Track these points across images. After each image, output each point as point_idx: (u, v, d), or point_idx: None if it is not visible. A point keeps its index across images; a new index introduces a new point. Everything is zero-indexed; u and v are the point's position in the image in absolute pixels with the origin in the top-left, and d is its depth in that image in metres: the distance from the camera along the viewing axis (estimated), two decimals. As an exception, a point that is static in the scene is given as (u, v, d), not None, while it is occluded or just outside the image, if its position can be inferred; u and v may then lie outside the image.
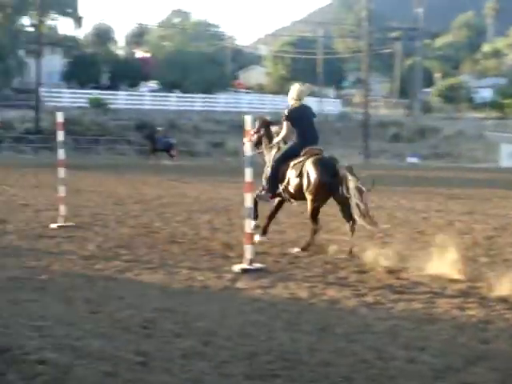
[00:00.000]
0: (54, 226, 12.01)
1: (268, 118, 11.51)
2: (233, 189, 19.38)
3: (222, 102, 63.65)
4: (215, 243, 10.66)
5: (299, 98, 10.55)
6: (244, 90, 77.17)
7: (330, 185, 9.76)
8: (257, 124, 10.98)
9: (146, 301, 7.02)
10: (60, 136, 12.74)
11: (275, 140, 10.77)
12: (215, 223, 13.17)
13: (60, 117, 12.70)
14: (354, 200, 9.41)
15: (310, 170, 9.87)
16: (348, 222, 9.81)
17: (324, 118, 62.46)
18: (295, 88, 10.63)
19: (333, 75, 74.76)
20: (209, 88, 66.08)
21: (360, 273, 8.61)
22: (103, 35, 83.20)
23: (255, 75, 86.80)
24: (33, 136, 45.18)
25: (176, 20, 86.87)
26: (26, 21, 74.99)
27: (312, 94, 72.24)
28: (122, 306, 6.78)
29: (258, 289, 7.72)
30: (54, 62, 70.50)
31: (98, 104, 54.45)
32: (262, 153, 11.06)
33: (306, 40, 78.87)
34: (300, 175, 10.02)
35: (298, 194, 10.16)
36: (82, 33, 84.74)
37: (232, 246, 10.27)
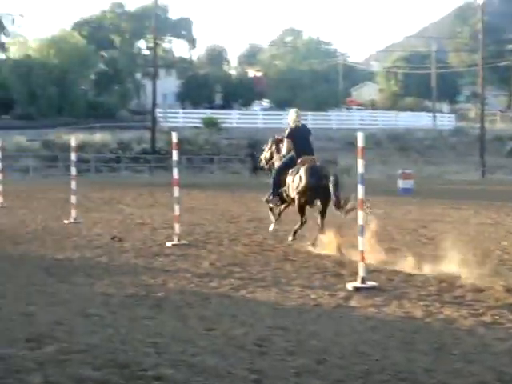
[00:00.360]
0: (169, 244, 12.26)
1: (279, 136, 13.59)
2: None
3: (334, 119, 63.50)
4: (328, 261, 10.62)
5: (297, 120, 12.99)
6: (356, 107, 76.80)
7: (316, 188, 11.72)
8: (270, 142, 13.81)
9: (259, 319, 7.05)
10: (175, 155, 13.02)
11: (281, 153, 13.12)
12: (327, 241, 13.07)
13: (174, 137, 12.99)
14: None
15: (302, 175, 11.85)
16: (321, 218, 11.95)
17: (438, 133, 61.51)
18: (293, 112, 13.35)
19: (447, 90, 73.54)
20: (321, 105, 66.17)
21: (477, 291, 8.38)
22: (216, 56, 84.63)
23: (367, 92, 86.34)
24: (149, 156, 46.35)
25: (288, 38, 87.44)
26: (142, 44, 77.33)
27: (425, 109, 71.31)
28: (235, 323, 6.83)
29: (371, 307, 7.63)
30: (169, 84, 72.23)
31: (211, 123, 55.35)
32: (272, 166, 13.47)
33: (419, 55, 77.95)
34: (294, 180, 12.09)
35: (290, 198, 12.36)
36: (195, 54, 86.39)
37: (344, 264, 10.21)
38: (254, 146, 45.11)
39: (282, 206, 13.14)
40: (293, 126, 12.97)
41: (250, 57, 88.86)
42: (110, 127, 52.64)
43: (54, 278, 9.17)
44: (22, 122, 55.36)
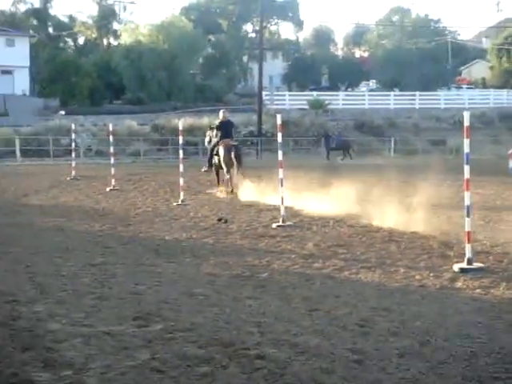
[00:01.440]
0: (274, 225, 12.37)
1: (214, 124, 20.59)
2: (453, 187, 18.94)
3: (442, 98, 62.19)
4: (434, 242, 10.47)
5: (224, 117, 19.93)
6: (466, 86, 74.94)
7: (228, 158, 18.75)
8: (209, 130, 20.67)
9: (362, 299, 7.04)
10: (279, 138, 13.10)
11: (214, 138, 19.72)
12: (434, 221, 12.91)
13: (279, 119, 13.05)
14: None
15: (221, 151, 18.91)
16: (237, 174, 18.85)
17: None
18: (221, 112, 20.37)
19: (562, 66, 70.78)
20: (429, 85, 64.97)
21: None
22: (323, 37, 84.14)
23: (478, 70, 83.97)
24: (256, 138, 46.68)
25: (395, 17, 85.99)
26: (249, 27, 77.75)
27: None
28: (338, 304, 6.84)
29: (477, 289, 7.48)
30: (275, 66, 72.43)
31: (317, 105, 55.19)
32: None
33: (532, 30, 75.26)
34: (218, 154, 19.08)
35: (220, 165, 19.13)
36: (302, 36, 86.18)
37: (451, 245, 10.05)
38: (361, 127, 44.86)
39: (215, 172, 19.79)
40: (222, 120, 19.83)
41: (357, 37, 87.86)
42: (218, 110, 53.25)
43: (162, 259, 9.40)
44: (133, 106, 56.74)
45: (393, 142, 47.47)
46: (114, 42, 77.25)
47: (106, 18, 75.59)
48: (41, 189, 20.80)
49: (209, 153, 19.97)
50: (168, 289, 7.47)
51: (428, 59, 70.01)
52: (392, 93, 63.92)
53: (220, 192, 18.82)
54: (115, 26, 77.07)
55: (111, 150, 23.11)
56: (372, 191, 19.27)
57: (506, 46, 75.43)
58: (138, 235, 11.68)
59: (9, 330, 5.69)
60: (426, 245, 10.29)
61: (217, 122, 20.37)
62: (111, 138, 23.26)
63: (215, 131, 19.66)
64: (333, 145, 41.46)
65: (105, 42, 78.84)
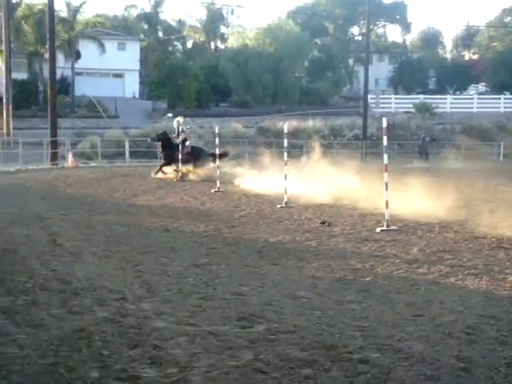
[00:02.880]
0: (378, 229, 12.26)
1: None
2: None
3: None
4: (545, 250, 10.15)
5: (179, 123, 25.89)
6: None
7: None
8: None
9: (469, 306, 6.89)
10: (385, 141, 12.99)
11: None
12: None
13: (385, 122, 12.94)
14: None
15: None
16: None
17: None
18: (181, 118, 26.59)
19: None
20: (541, 88, 62.98)
21: None
22: (431, 39, 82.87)
23: None
24: (361, 142, 46.39)
25: (507, 19, 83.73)
26: (355, 30, 77.42)
27: None
28: (444, 310, 6.72)
29: None
30: (381, 69, 71.87)
31: (423, 108, 54.41)
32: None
33: None
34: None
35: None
36: (409, 38, 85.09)
37: None
38: (469, 131, 44.03)
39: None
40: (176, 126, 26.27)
41: (467, 39, 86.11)
42: (323, 113, 53.26)
43: (266, 261, 9.46)
44: (239, 109, 57.34)
45: (502, 146, 46.25)
46: (221, 46, 78.44)
47: (213, 22, 76.79)
48: (148, 189, 21.27)
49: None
50: (271, 290, 7.51)
51: (542, 62, 67.90)
52: (502, 96, 62.30)
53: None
54: (223, 29, 78.20)
55: (217, 151, 23.40)
56: (477, 196, 18.83)
57: None
58: (242, 237, 11.79)
59: (117, 326, 5.85)
60: (537, 253, 9.97)
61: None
62: (217, 140, 23.56)
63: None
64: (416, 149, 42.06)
65: (212, 45, 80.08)
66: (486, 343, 5.66)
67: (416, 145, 43.30)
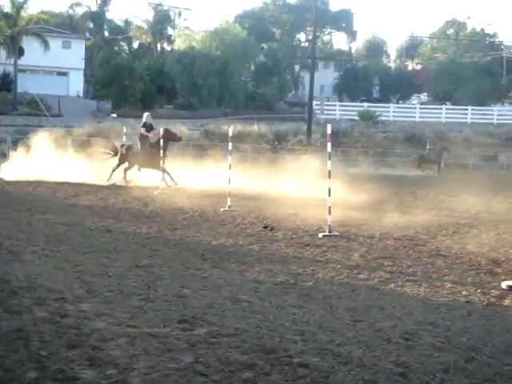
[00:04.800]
0: (320, 235, 12.35)
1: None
2: (504, 203, 18.73)
3: (495, 114, 61.48)
4: (482, 258, 10.36)
5: (148, 120, 25.00)
6: (520, 102, 73.95)
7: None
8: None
9: (407, 312, 6.99)
10: (329, 147, 13.10)
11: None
12: (483, 238, 12.80)
13: (329, 129, 13.06)
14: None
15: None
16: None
17: None
18: (147, 115, 25.28)
19: None
20: (482, 100, 64.24)
21: None
22: (375, 48, 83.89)
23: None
24: (304, 147, 46.64)
25: (450, 30, 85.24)
26: (302, 36, 77.93)
27: None
28: (383, 316, 6.80)
29: (526, 307, 7.38)
30: (327, 76, 72.45)
31: (367, 116, 55.04)
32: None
33: None
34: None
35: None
36: (354, 46, 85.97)
37: (500, 262, 9.94)
38: (411, 140, 44.53)
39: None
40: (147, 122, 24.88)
41: (410, 49, 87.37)
42: (268, 118, 53.45)
43: (208, 263, 9.45)
44: (184, 111, 57.17)
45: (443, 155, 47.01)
46: (167, 48, 78.06)
47: (161, 24, 76.43)
48: (90, 189, 21.08)
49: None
50: (213, 293, 7.50)
51: (482, 74, 69.28)
52: (444, 106, 63.37)
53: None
54: (170, 31, 77.86)
55: (161, 153, 23.31)
56: (418, 204, 19.16)
57: None
58: (185, 239, 11.76)
59: (56, 327, 5.77)
60: (474, 261, 10.18)
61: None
62: (161, 142, 23.46)
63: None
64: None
65: (159, 46, 79.66)
66: (424, 349, 5.74)
67: (421, 153, 42.37)
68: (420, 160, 41.81)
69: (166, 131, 24.04)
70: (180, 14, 77.76)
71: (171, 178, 23.01)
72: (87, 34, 73.06)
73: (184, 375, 4.80)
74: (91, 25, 75.95)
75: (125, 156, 24.70)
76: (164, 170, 23.01)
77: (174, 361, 5.07)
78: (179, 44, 68.20)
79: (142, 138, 24.65)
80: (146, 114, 25.64)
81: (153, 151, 23.72)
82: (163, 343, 5.48)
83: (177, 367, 4.94)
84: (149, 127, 24.79)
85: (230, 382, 4.74)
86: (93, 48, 70.88)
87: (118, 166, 24.72)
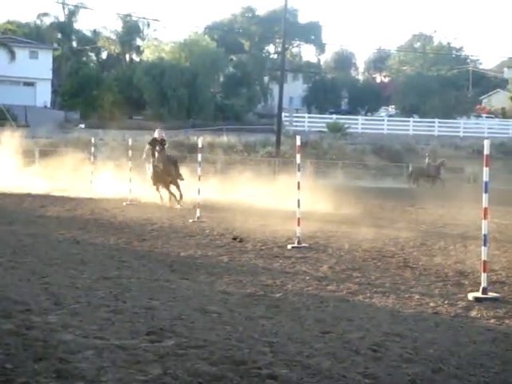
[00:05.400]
0: (289, 246, 12.37)
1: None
2: (470, 215, 18.87)
3: (461, 127, 62.08)
4: (449, 270, 10.46)
5: (159, 135, 22.06)
6: (485, 115, 74.79)
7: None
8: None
9: (375, 324, 7.02)
10: (298, 159, 13.14)
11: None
12: (450, 249, 12.91)
13: (298, 140, 13.11)
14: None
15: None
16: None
17: None
18: (157, 130, 22.58)
19: None
20: (449, 113, 64.89)
21: None
22: (344, 61, 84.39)
23: (498, 100, 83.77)
24: (273, 159, 46.71)
25: (417, 44, 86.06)
26: (271, 48, 78.20)
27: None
28: (351, 327, 6.83)
29: (492, 318, 7.45)
30: (296, 88, 72.71)
31: (336, 128, 55.29)
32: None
33: (554, 62, 75.00)
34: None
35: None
36: (323, 59, 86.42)
37: (466, 274, 10.04)
38: (380, 152, 44.72)
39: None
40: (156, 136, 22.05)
41: (378, 62, 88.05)
42: (237, 129, 53.49)
43: (177, 275, 9.42)
44: (153, 122, 56.97)
45: (410, 167, 47.37)
46: (136, 58, 77.83)
47: (129, 34, 76.20)
48: (57, 200, 20.90)
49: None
50: (181, 305, 7.47)
51: (449, 87, 69.99)
52: (411, 119, 63.88)
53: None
54: (138, 42, 77.65)
55: (129, 164, 23.22)
56: (386, 216, 19.28)
57: (528, 76, 75.32)
58: (154, 250, 11.71)
59: (22, 339, 5.70)
60: (441, 272, 10.26)
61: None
62: (130, 152, 23.38)
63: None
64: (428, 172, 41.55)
65: (127, 57, 79.42)
66: (391, 360, 5.77)
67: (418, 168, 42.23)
68: (418, 173, 41.90)
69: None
70: (149, 25, 77.62)
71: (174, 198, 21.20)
72: (55, 45, 72.60)
73: (152, 387, 4.76)
74: (59, 35, 75.48)
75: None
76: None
77: (142, 373, 5.04)
78: (148, 55, 67.99)
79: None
80: (157, 130, 22.88)
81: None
82: (131, 355, 5.44)
83: (145, 379, 4.90)
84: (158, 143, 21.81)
85: (199, 394, 4.72)
86: (61, 58, 70.45)
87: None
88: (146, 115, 62.26)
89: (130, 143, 23.90)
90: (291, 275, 9.70)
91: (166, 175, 21.25)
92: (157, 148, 21.48)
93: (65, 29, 75.07)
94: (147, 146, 22.10)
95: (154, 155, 21.53)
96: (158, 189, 21.67)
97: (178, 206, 20.30)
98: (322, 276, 9.73)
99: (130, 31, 76.42)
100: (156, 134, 22.20)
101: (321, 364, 5.52)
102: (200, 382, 4.92)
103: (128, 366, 5.16)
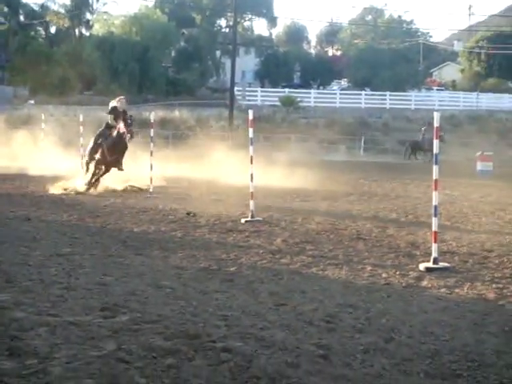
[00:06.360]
0: (243, 220, 12.40)
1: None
2: (422, 187, 19.12)
3: (413, 99, 62.58)
4: (401, 241, 10.59)
5: (120, 104, 18.15)
6: (436, 88, 75.49)
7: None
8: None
9: (329, 296, 7.09)
10: (251, 133, 13.13)
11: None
12: (402, 221, 13.07)
13: (251, 114, 13.09)
14: None
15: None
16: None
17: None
18: (119, 99, 18.53)
19: (532, 71, 71.42)
20: (400, 85, 65.30)
21: (553, 276, 8.22)
22: (296, 34, 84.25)
23: (449, 72, 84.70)
24: (226, 133, 46.58)
25: (368, 17, 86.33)
26: (222, 22, 77.68)
27: (508, 91, 69.61)
28: (305, 299, 6.89)
29: (442, 288, 7.58)
30: (248, 62, 72.46)
31: (289, 102, 55.28)
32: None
33: (503, 35, 75.84)
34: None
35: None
36: (275, 32, 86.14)
37: (418, 245, 10.18)
38: (332, 125, 44.82)
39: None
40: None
41: (330, 35, 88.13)
42: (190, 104, 53.18)
43: (130, 251, 9.39)
44: (104, 97, 56.34)
45: (363, 140, 47.71)
46: (86, 33, 76.68)
47: (78, 8, 74.94)
48: (7, 177, 20.62)
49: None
50: (135, 280, 7.46)
51: (400, 60, 70.38)
52: (363, 92, 64.14)
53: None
54: (88, 16, 76.50)
55: (81, 140, 22.96)
56: (339, 189, 19.42)
57: (477, 49, 76.14)
58: (107, 227, 11.63)
59: (-27, 318, 5.65)
60: (394, 243, 10.39)
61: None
62: (81, 128, 23.11)
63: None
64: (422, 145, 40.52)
65: (77, 32, 78.21)
66: (345, 331, 5.84)
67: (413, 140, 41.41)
68: (414, 147, 40.97)
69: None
70: (98, -1, 76.51)
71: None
72: (1, 19, 71.16)
73: (106, 363, 4.75)
74: (5, 9, 73.98)
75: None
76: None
77: (96, 349, 5.03)
78: (98, 29, 67.08)
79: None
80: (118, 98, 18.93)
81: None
82: (85, 331, 5.42)
83: (99, 355, 4.89)
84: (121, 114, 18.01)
85: (153, 369, 4.72)
86: (7, 33, 69.08)
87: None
88: (97, 90, 61.49)
89: (81, 119, 23.59)
90: (245, 249, 9.73)
91: (115, 161, 17.72)
92: (120, 123, 17.57)
93: (11, 2, 73.48)
94: (111, 116, 18.21)
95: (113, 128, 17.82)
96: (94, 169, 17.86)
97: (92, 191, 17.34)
98: (276, 249, 9.77)
99: (79, 5, 75.13)
100: (116, 103, 18.31)
101: (275, 336, 5.56)
102: (154, 357, 4.93)
103: (81, 343, 5.14)
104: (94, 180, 17.69)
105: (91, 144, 18.34)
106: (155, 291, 7.00)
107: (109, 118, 18.16)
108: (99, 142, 18.01)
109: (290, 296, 7.02)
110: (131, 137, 17.59)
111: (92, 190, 17.29)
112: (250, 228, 11.67)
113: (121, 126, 17.48)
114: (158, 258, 8.97)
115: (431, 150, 37.83)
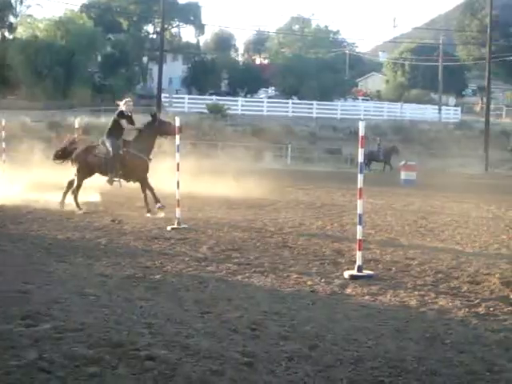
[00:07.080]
0: (169, 228, 12.33)
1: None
2: (347, 195, 19.35)
3: (339, 109, 63.33)
4: (326, 249, 10.69)
5: (127, 107, 16.19)
6: (362, 98, 76.63)
7: None
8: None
9: (254, 303, 7.10)
10: (177, 140, 13.09)
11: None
12: (327, 229, 13.20)
13: (177, 121, 13.05)
14: None
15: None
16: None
17: (443, 126, 61.40)
18: (125, 101, 16.44)
19: (454, 83, 73.17)
20: (326, 95, 65.93)
21: (473, 283, 8.43)
22: (223, 42, 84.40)
23: (374, 82, 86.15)
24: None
25: (296, 26, 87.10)
26: (150, 28, 77.25)
27: (431, 102, 71.17)
28: (230, 307, 6.89)
29: (366, 295, 7.68)
30: (175, 68, 72.18)
31: (216, 110, 55.28)
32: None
33: (426, 47, 77.52)
34: None
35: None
36: (202, 40, 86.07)
37: (343, 252, 10.29)
38: (259, 133, 44.88)
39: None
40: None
41: (258, 44, 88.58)
42: (115, 110, 52.63)
43: (53, 258, 9.24)
44: (28, 102, 55.38)
45: (289, 149, 48.01)
46: (9, 36, 75.21)
47: (1, 11, 73.49)
48: None
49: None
50: (58, 288, 7.34)
51: (326, 70, 71.05)
52: (290, 101, 64.60)
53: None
54: (11, 19, 75.04)
55: (3, 145, 22.50)
56: (266, 196, 19.49)
57: (401, 60, 77.64)
58: (29, 233, 11.42)
59: None
60: (319, 251, 10.48)
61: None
62: (3, 133, 22.65)
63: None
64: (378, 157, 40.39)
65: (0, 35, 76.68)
66: (269, 338, 5.86)
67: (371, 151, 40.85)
68: (369, 158, 40.81)
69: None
70: (22, 2, 75.14)
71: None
72: None
73: (27, 372, 4.67)
74: None
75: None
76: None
77: (17, 358, 4.93)
78: (21, 33, 65.84)
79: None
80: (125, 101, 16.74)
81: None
82: (5, 340, 5.31)
83: (19, 364, 4.80)
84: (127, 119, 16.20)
85: (75, 378, 4.65)
86: None
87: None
88: (21, 95, 60.35)
89: (3, 123, 23.10)
90: (170, 256, 9.68)
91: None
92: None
93: None
94: (123, 121, 16.06)
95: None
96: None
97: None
98: (202, 257, 9.75)
99: (2, 7, 73.71)
100: (123, 107, 16.16)
101: (200, 344, 5.55)
102: (77, 366, 4.86)
103: (2, 352, 5.04)
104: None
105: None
106: (79, 299, 6.90)
107: (122, 124, 16.01)
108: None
109: (216, 304, 7.01)
110: None
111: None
112: (175, 235, 11.62)
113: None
114: (82, 265, 8.85)
115: (385, 161, 38.12)
